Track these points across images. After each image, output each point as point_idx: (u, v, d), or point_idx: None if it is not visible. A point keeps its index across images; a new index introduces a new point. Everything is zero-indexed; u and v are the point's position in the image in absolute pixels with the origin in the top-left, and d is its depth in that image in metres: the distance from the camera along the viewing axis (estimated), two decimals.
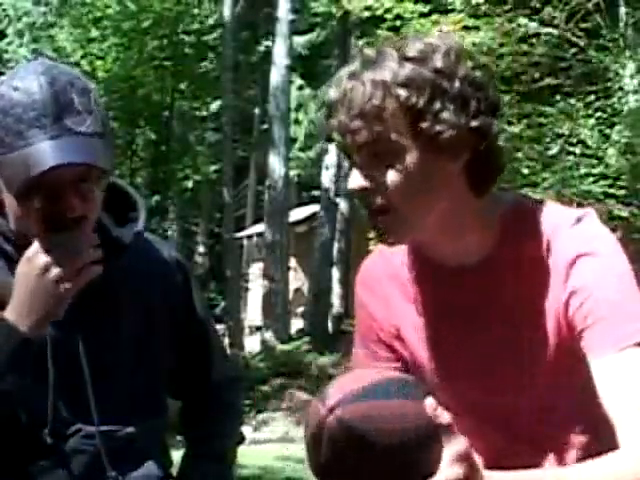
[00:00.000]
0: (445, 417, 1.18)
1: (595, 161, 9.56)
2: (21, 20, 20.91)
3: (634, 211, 9.15)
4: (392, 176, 1.33)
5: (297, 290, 21.13)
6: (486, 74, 1.39)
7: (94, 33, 17.83)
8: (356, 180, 1.36)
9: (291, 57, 18.08)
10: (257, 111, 25.78)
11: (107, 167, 1.51)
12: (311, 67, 24.54)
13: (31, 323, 1.45)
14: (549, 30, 9.32)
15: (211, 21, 19.55)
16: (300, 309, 20.29)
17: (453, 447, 1.17)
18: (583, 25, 9.71)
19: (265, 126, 21.33)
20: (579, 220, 1.41)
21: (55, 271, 1.45)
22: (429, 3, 10.07)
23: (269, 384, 13.70)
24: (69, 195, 1.47)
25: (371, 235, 10.91)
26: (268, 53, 20.40)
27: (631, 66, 9.83)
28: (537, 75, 9.71)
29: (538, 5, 9.53)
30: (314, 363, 14.76)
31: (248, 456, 9.73)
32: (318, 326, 17.44)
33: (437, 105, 1.31)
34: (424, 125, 1.31)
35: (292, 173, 22.09)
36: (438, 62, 1.32)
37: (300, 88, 24.97)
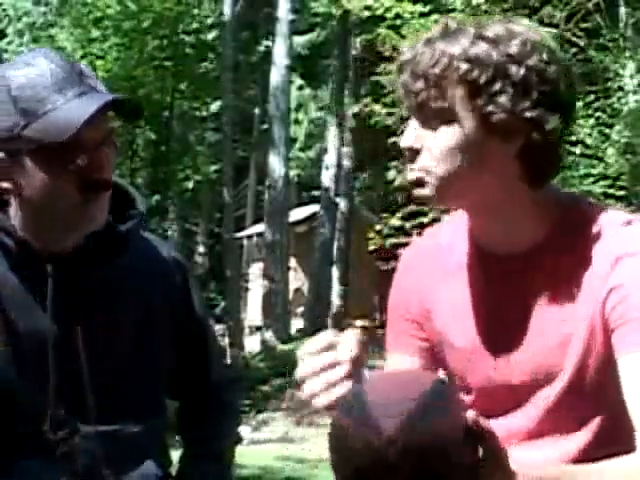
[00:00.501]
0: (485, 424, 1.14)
1: (595, 161, 9.56)
2: (21, 20, 20.92)
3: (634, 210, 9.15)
4: (440, 142, 1.39)
5: (297, 290, 21.13)
6: (567, 73, 1.41)
7: (94, 33, 17.82)
8: (408, 139, 1.42)
9: (291, 57, 18.10)
10: (257, 111, 25.79)
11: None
12: (311, 67, 24.54)
13: None
14: (549, 30, 9.31)
15: (211, 21, 19.55)
16: (300, 309, 20.29)
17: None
18: (583, 25, 9.72)
19: (265, 126, 21.34)
20: (629, 222, 1.44)
21: None
22: (429, 3, 10.07)
23: (269, 384, 13.70)
24: (101, 155, 1.51)
25: (371, 234, 10.96)
26: (268, 53, 20.41)
27: (631, 66, 9.84)
28: None
29: (537, 5, 9.54)
30: None
31: (248, 456, 9.73)
32: (318, 326, 17.45)
33: (496, 86, 1.35)
34: (479, 102, 1.36)
35: (292, 173, 22.10)
36: (511, 47, 1.36)
37: (300, 88, 24.97)
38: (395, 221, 10.30)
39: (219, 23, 19.42)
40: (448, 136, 1.38)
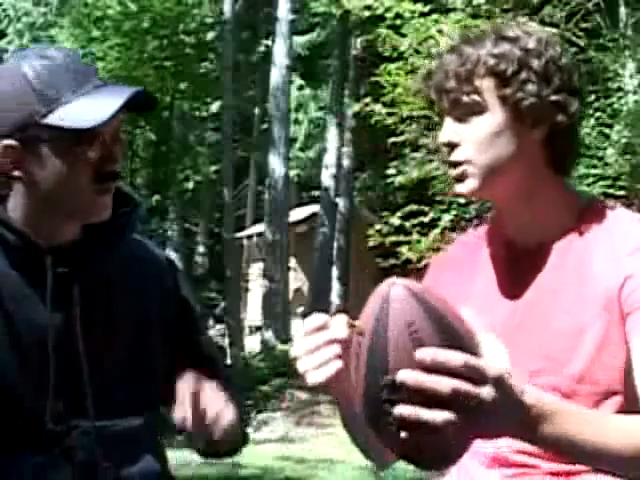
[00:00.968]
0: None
1: (595, 161, 9.56)
2: (21, 20, 20.93)
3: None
4: (476, 132, 1.52)
5: (297, 290, 21.14)
6: (575, 65, 1.58)
7: (94, 33, 17.82)
8: (446, 134, 1.55)
9: (291, 57, 18.09)
10: (257, 111, 25.78)
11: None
12: (311, 67, 24.53)
13: None
14: (549, 30, 9.31)
15: (211, 21, 19.55)
16: (300, 309, 20.29)
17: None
18: (583, 25, 9.72)
19: (265, 126, 21.34)
20: None
21: None
22: (429, 3, 10.07)
23: (269, 384, 13.70)
24: (114, 147, 1.53)
25: (370, 232, 10.94)
26: (268, 53, 20.40)
27: (631, 66, 9.85)
28: None
29: (537, 5, 9.54)
30: None
31: (248, 456, 9.74)
32: None
33: (522, 75, 1.50)
34: (509, 91, 1.51)
35: (292, 173, 22.08)
36: (529, 44, 1.53)
37: (300, 88, 24.96)
38: (395, 220, 10.30)
39: (219, 23, 19.41)
40: (483, 125, 1.52)
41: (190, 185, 21.43)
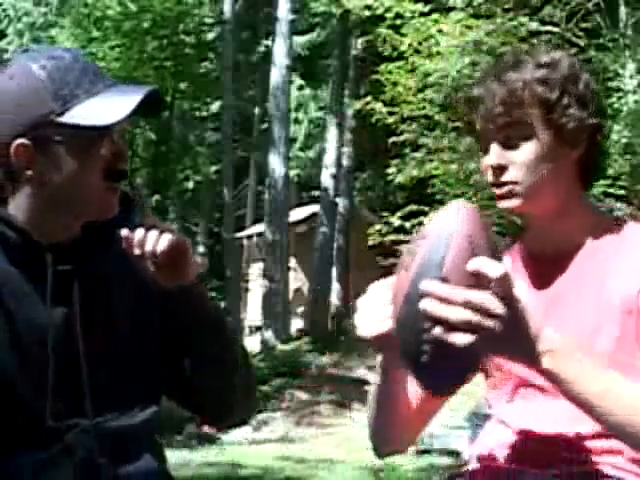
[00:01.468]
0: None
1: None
2: (21, 20, 20.93)
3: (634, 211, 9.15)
4: (523, 155, 1.63)
5: (297, 290, 21.14)
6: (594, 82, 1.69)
7: (95, 33, 17.84)
8: (494, 157, 1.65)
9: (291, 57, 18.09)
10: (257, 111, 25.79)
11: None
12: (311, 67, 24.54)
13: None
14: (549, 29, 9.31)
15: (211, 21, 19.55)
16: (300, 309, 20.30)
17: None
18: (583, 25, 9.71)
19: (265, 126, 21.34)
20: None
21: None
22: (430, 2, 10.06)
23: (269, 384, 13.68)
24: (123, 145, 1.56)
25: (370, 230, 10.94)
26: (268, 53, 20.40)
27: (631, 66, 9.84)
28: None
29: (538, 5, 9.53)
30: (314, 363, 14.76)
31: (248, 456, 9.74)
32: (318, 326, 17.45)
33: (565, 101, 1.62)
34: (554, 116, 1.62)
35: (292, 173, 22.09)
36: (565, 69, 1.64)
37: (300, 88, 24.97)
38: (395, 220, 10.30)
39: (219, 23, 19.42)
40: (530, 151, 1.63)
41: (190, 185, 21.45)
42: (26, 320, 1.53)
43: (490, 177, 1.66)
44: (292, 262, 20.07)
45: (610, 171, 9.20)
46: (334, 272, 18.20)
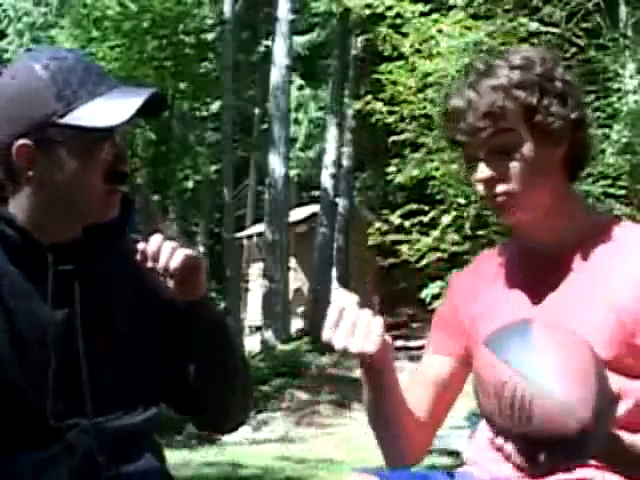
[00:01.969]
0: None
1: (595, 161, 9.54)
2: (21, 20, 20.93)
3: (634, 212, 9.15)
4: (513, 165, 1.60)
5: (297, 290, 21.13)
6: (567, 67, 1.67)
7: (94, 33, 17.83)
8: (484, 171, 1.62)
9: (291, 57, 18.08)
10: (257, 111, 25.77)
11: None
12: (311, 67, 24.52)
13: None
14: (549, 29, 9.30)
15: (211, 21, 19.56)
16: (300, 309, 20.29)
17: None
18: (583, 25, 9.70)
19: (265, 126, 21.33)
20: None
21: None
22: (430, 2, 10.06)
23: (269, 384, 13.69)
24: (123, 147, 1.55)
25: (370, 229, 10.93)
26: (268, 53, 20.39)
27: (631, 66, 9.84)
28: None
29: (538, 5, 9.52)
30: (314, 363, 14.76)
31: (248, 456, 9.74)
32: (318, 326, 17.37)
33: (545, 101, 1.59)
34: (538, 119, 1.59)
35: (292, 173, 22.08)
36: (539, 68, 1.61)
37: (300, 88, 24.95)
38: (395, 219, 10.28)
39: (219, 23, 19.42)
40: (519, 158, 1.60)
41: (190, 185, 21.44)
42: (27, 319, 1.53)
43: (482, 191, 1.63)
44: (292, 262, 20.06)
45: (610, 171, 9.20)
46: (334, 272, 18.19)
